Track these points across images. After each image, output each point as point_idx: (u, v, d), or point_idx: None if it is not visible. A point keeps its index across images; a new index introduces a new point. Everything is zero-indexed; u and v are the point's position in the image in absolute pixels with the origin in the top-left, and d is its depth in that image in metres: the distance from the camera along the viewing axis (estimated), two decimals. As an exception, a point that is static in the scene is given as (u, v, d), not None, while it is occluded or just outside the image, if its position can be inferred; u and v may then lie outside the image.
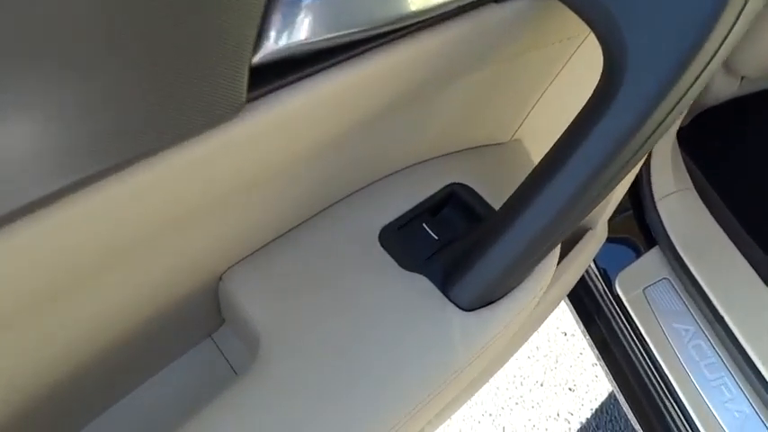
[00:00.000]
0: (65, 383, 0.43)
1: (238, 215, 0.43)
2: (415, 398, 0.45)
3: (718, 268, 0.99)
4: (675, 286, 1.04)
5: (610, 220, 0.99)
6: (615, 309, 1.06)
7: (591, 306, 1.12)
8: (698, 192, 1.09)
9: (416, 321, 0.48)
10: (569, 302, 1.17)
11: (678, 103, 0.36)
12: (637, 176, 1.05)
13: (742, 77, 1.09)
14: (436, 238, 0.52)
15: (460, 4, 0.37)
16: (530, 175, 0.44)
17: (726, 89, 1.13)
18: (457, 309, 0.48)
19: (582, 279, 1.12)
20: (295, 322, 0.47)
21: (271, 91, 0.31)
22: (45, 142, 0.24)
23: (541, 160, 0.43)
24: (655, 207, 1.07)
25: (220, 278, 0.49)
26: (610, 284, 1.06)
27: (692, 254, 1.00)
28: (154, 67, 0.25)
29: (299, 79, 0.32)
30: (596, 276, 1.10)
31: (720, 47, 0.34)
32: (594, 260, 1.08)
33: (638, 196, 1.08)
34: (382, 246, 0.52)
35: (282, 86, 0.32)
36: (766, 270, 0.97)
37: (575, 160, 0.39)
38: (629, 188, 1.03)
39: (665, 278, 1.05)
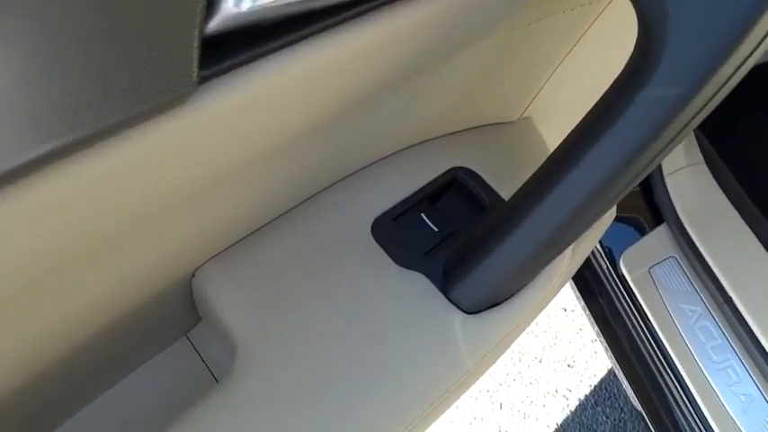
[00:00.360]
0: (35, 384, 0.40)
1: (208, 208, 0.38)
2: (409, 413, 0.41)
3: (728, 246, 0.96)
4: (682, 265, 1.04)
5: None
6: (619, 288, 1.05)
7: (594, 285, 1.11)
8: (708, 167, 1.05)
9: (413, 326, 0.43)
10: (571, 280, 1.15)
11: (731, 77, 0.30)
12: (645, 151, 1.02)
13: (760, 44, 1.04)
14: (436, 230, 0.48)
15: None
16: (548, 159, 0.38)
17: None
18: (458, 311, 0.44)
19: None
20: (275, 326, 0.43)
21: (230, 68, 0.25)
22: None
23: (562, 143, 0.37)
24: (663, 182, 1.04)
25: (193, 275, 0.45)
26: (614, 263, 1.06)
27: (700, 231, 0.97)
28: (74, 40, 0.19)
29: (268, 53, 0.26)
30: (600, 255, 1.09)
31: None
32: (599, 238, 1.05)
33: (647, 171, 1.06)
34: (375, 239, 0.47)
35: (246, 62, 0.26)
36: (778, 250, 0.92)
37: (605, 143, 0.34)
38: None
39: (671, 256, 1.02)
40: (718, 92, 0.32)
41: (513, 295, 0.45)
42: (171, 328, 0.51)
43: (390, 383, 0.41)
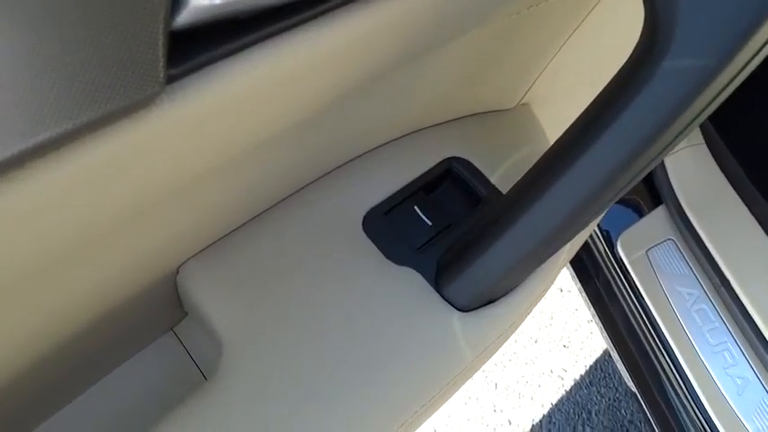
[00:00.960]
0: (20, 379, 0.39)
1: (192, 205, 0.37)
2: (401, 413, 0.40)
3: (727, 229, 0.95)
4: (680, 248, 1.02)
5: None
6: (616, 271, 1.06)
7: (590, 267, 1.11)
8: (709, 147, 1.04)
9: (405, 325, 0.42)
10: (568, 263, 1.15)
11: (746, 65, 0.29)
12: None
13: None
14: (429, 223, 0.46)
15: None
16: (550, 150, 0.37)
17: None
18: (452, 309, 0.43)
19: (582, 239, 1.09)
20: (262, 323, 0.42)
21: (202, 65, 0.23)
22: None
23: (565, 133, 0.36)
24: (662, 163, 1.01)
25: (177, 271, 0.44)
26: (611, 245, 1.05)
27: (699, 213, 0.96)
28: (28, 36, 0.17)
29: (245, 47, 0.24)
30: (597, 237, 1.08)
31: None
32: (596, 219, 1.05)
33: (646, 151, 1.04)
34: (366, 233, 0.46)
35: (220, 58, 0.24)
36: (777, 232, 0.92)
37: (607, 138, 0.32)
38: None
39: (669, 239, 1.01)
40: (721, 92, 0.30)
41: (508, 293, 0.44)
42: (157, 323, 0.50)
43: (383, 383, 0.41)
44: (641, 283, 0.98)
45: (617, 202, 1.04)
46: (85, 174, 0.24)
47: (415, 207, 0.47)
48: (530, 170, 0.38)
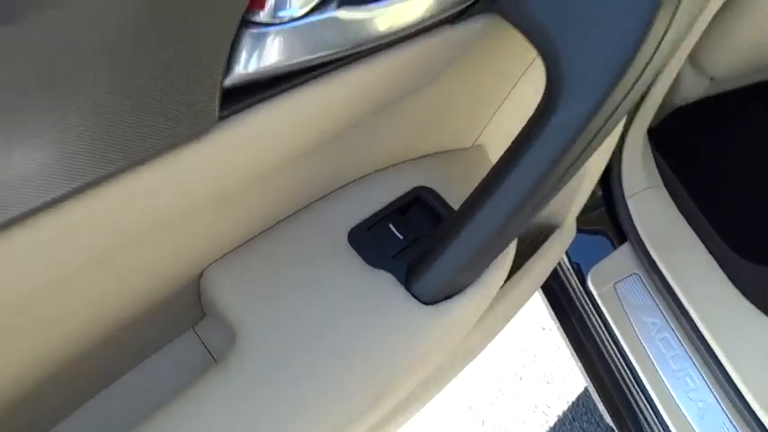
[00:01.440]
0: (49, 374, 0.45)
1: (218, 218, 0.46)
2: (374, 385, 0.48)
3: (685, 264, 1.01)
4: (644, 281, 1.05)
5: (585, 215, 1.00)
6: (588, 304, 1.06)
7: (565, 302, 1.12)
8: (667, 189, 1.10)
9: (380, 314, 0.51)
10: (545, 298, 1.17)
11: (610, 117, 0.39)
12: (609, 173, 1.07)
13: (711, 78, 1.10)
14: (401, 237, 0.55)
15: (419, 27, 0.40)
16: (483, 179, 0.47)
17: (695, 89, 1.14)
18: (417, 302, 0.52)
19: (556, 275, 1.12)
20: (268, 317, 0.50)
21: (240, 110, 0.34)
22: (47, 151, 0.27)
23: (493, 166, 0.46)
24: (625, 204, 1.07)
25: (201, 274, 0.52)
26: (583, 280, 1.07)
27: (660, 250, 1.02)
28: (136, 90, 0.28)
29: (266, 99, 0.35)
30: (570, 272, 1.10)
31: (645, 69, 0.38)
32: (569, 255, 1.08)
33: (611, 192, 1.09)
34: (351, 245, 0.54)
35: (251, 105, 0.34)
36: (730, 266, 1.00)
37: (521, 168, 0.42)
38: (603, 184, 1.05)
39: (635, 273, 1.06)
40: (595, 136, 0.40)
41: (463, 290, 0.53)
42: (180, 321, 0.56)
43: (359, 360, 0.48)
44: (610, 315, 1.02)
45: (588, 239, 1.09)
46: (149, 188, 0.33)
47: (390, 225, 0.56)
48: (468, 197, 0.48)
